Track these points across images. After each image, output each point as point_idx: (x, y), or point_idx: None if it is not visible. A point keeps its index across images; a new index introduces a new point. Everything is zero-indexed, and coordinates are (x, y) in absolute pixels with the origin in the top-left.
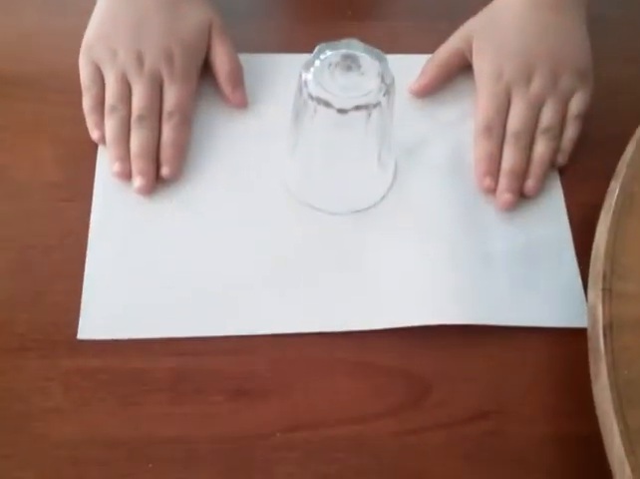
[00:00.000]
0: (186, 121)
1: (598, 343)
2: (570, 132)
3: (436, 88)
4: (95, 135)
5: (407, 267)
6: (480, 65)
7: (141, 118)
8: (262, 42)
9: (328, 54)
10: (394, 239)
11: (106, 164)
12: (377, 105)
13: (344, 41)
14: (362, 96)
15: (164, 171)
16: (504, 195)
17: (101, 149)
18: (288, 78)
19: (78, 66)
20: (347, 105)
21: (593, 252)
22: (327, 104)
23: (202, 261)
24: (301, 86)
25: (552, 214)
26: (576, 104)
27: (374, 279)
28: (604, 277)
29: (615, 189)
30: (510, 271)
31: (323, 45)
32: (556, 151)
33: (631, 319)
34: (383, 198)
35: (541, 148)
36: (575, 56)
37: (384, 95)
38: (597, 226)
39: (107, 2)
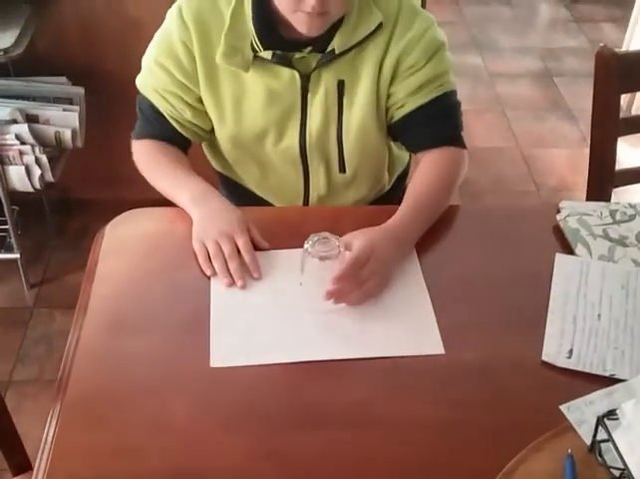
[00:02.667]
0: (253, 252)
1: None
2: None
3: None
4: (209, 272)
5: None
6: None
7: (230, 256)
8: None
9: (315, 238)
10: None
11: (216, 288)
12: (338, 256)
13: (321, 233)
14: (331, 253)
15: (255, 274)
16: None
17: (212, 280)
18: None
19: None
20: (323, 256)
21: None
22: (315, 256)
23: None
24: (304, 251)
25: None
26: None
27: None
28: None
29: None
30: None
31: (312, 235)
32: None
33: None
34: None
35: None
36: (390, 262)
37: (339, 253)
38: None
39: (196, 215)
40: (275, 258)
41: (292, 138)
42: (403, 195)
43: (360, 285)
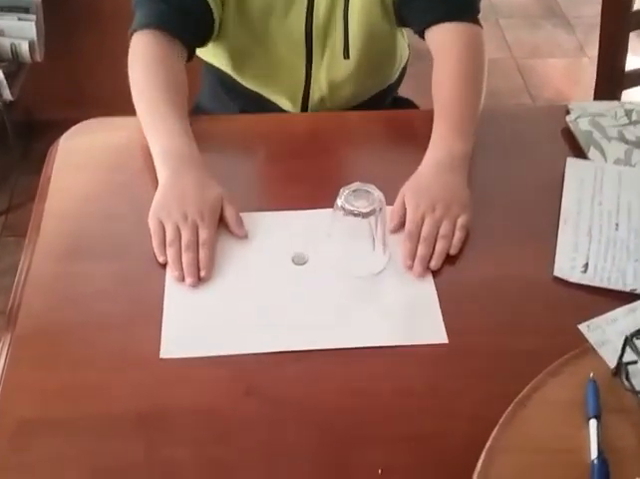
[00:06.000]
0: (212, 247)
1: None
2: (458, 236)
3: (399, 225)
4: (161, 259)
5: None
6: (408, 203)
7: (187, 247)
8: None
9: (346, 191)
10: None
11: (170, 276)
12: (379, 212)
13: (355, 183)
14: (370, 208)
15: (202, 273)
16: (417, 268)
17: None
18: (270, 223)
19: None
20: (362, 212)
21: None
22: (352, 213)
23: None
24: (336, 205)
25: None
26: (461, 221)
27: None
28: None
29: None
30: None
31: (344, 187)
32: (448, 248)
33: None
34: (383, 269)
35: (440, 245)
36: (459, 196)
37: (380, 209)
38: None
39: (164, 184)
40: (270, 222)
41: (298, 18)
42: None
43: (432, 241)
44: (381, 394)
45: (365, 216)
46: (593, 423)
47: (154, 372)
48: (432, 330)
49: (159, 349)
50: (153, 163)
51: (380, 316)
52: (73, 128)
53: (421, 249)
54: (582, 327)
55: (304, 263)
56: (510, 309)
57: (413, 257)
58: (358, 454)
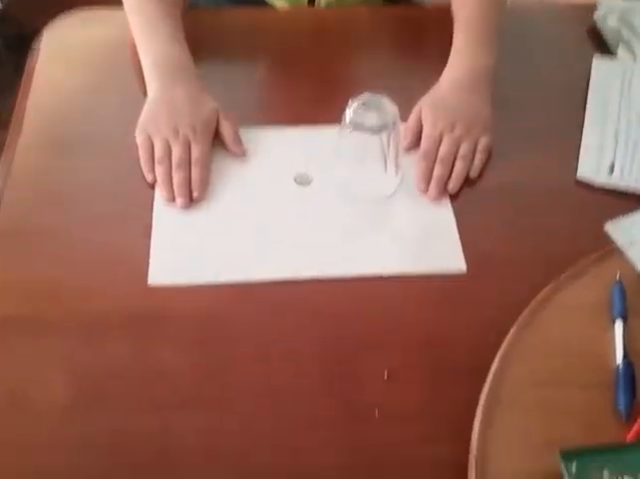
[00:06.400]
0: (205, 166)
1: None
2: (479, 158)
3: (413, 143)
4: (149, 178)
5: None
6: (425, 119)
7: (179, 165)
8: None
9: (355, 103)
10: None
11: (159, 196)
12: (392, 127)
13: (365, 94)
14: (382, 122)
15: (195, 194)
16: (433, 191)
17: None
18: (271, 140)
19: None
20: (374, 126)
21: (471, 440)
22: (362, 127)
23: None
24: (344, 119)
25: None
26: (482, 143)
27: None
28: (477, 460)
29: (486, 389)
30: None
31: (352, 99)
32: (468, 170)
33: None
34: (395, 191)
35: (459, 166)
36: (481, 116)
37: (394, 124)
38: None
39: (154, 95)
40: (271, 138)
41: None
42: None
43: (451, 162)
44: (390, 299)
45: (376, 131)
46: (619, 324)
47: (144, 273)
48: (449, 258)
49: (147, 248)
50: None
51: (391, 242)
52: (58, 20)
53: (437, 170)
54: (608, 227)
55: (308, 184)
56: (532, 215)
57: (428, 179)
58: (363, 359)
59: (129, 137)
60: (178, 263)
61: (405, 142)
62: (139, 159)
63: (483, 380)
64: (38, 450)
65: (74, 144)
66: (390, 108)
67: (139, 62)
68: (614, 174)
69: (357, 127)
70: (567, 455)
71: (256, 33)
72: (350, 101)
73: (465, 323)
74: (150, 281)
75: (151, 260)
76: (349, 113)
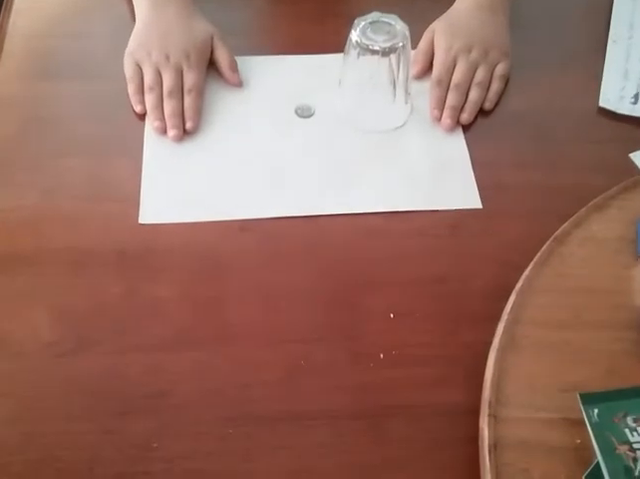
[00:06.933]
0: (199, 94)
1: (484, 460)
2: (495, 86)
3: (424, 69)
4: (138, 108)
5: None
6: (438, 42)
7: (170, 93)
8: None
9: (362, 23)
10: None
11: (150, 128)
12: (402, 49)
13: (372, 13)
14: (391, 43)
15: (188, 124)
16: (447, 120)
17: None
18: (270, 69)
19: None
20: (382, 47)
21: (483, 384)
22: (370, 49)
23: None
24: (349, 41)
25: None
26: (500, 69)
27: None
28: (490, 405)
29: (500, 330)
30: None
31: (359, 18)
32: (483, 99)
33: (512, 440)
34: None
35: (474, 94)
36: (500, 40)
37: (403, 45)
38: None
39: (143, 19)
40: (270, 67)
41: None
42: None
43: (465, 89)
44: (396, 234)
45: (385, 53)
46: None
47: (135, 206)
48: (463, 194)
49: (139, 180)
50: None
51: (400, 178)
52: None
53: (451, 98)
54: (634, 156)
55: (310, 116)
56: (551, 145)
57: (441, 107)
58: (367, 297)
59: (118, 60)
60: (171, 201)
61: (415, 67)
62: (125, 83)
63: (498, 321)
64: (22, 392)
65: (60, 66)
66: (399, 27)
67: None
68: (639, 103)
69: (364, 49)
70: (588, 399)
71: None
72: (356, 20)
73: (480, 261)
74: (140, 221)
75: (141, 199)
76: (355, 34)
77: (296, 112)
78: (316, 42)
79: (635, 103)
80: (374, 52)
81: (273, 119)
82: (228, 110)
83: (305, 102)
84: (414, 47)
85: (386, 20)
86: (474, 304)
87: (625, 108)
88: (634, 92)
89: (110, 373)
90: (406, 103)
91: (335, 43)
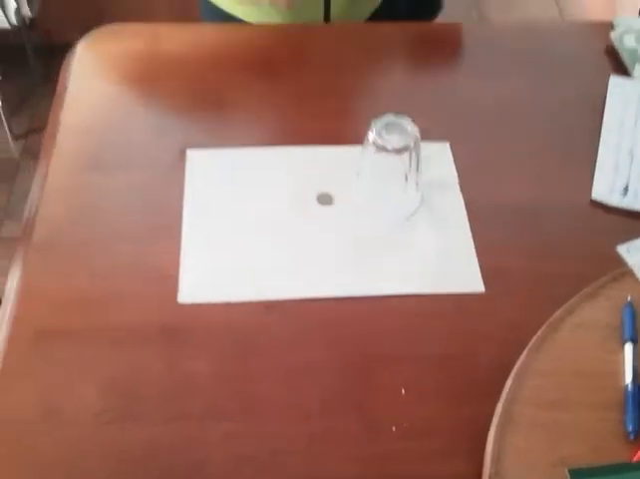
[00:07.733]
0: None
1: None
2: None
3: None
4: None
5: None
6: None
7: None
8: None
9: (378, 124)
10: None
11: (188, 213)
12: (414, 146)
13: (386, 115)
14: (404, 144)
15: None
16: None
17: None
18: (295, 159)
19: None
20: (395, 148)
21: (484, 457)
22: (385, 148)
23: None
24: (366, 140)
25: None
26: None
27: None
28: (490, 477)
29: (499, 410)
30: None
31: (375, 120)
32: None
33: None
34: (416, 210)
35: None
36: None
37: (415, 144)
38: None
39: None
40: (293, 157)
41: None
42: None
43: None
44: (409, 317)
45: (398, 151)
46: (629, 347)
47: (174, 285)
48: (467, 279)
49: (178, 262)
50: (172, 70)
51: (410, 263)
52: (90, 34)
53: None
54: (621, 249)
55: (330, 204)
56: (545, 234)
57: None
58: (381, 373)
59: (158, 150)
60: (207, 283)
61: None
62: (168, 172)
63: (499, 398)
64: (71, 461)
65: (106, 158)
66: (410, 129)
67: (169, 74)
68: (628, 196)
69: (380, 148)
70: (577, 474)
71: (275, 50)
72: (372, 123)
73: (483, 341)
74: (179, 300)
75: (180, 280)
76: (371, 135)
77: (318, 199)
78: (337, 135)
79: (624, 195)
80: (388, 151)
81: (297, 205)
82: (257, 196)
83: (326, 190)
84: (424, 139)
85: (398, 122)
86: (477, 380)
87: (615, 200)
88: (623, 185)
89: (151, 443)
90: (416, 193)
91: (354, 136)
